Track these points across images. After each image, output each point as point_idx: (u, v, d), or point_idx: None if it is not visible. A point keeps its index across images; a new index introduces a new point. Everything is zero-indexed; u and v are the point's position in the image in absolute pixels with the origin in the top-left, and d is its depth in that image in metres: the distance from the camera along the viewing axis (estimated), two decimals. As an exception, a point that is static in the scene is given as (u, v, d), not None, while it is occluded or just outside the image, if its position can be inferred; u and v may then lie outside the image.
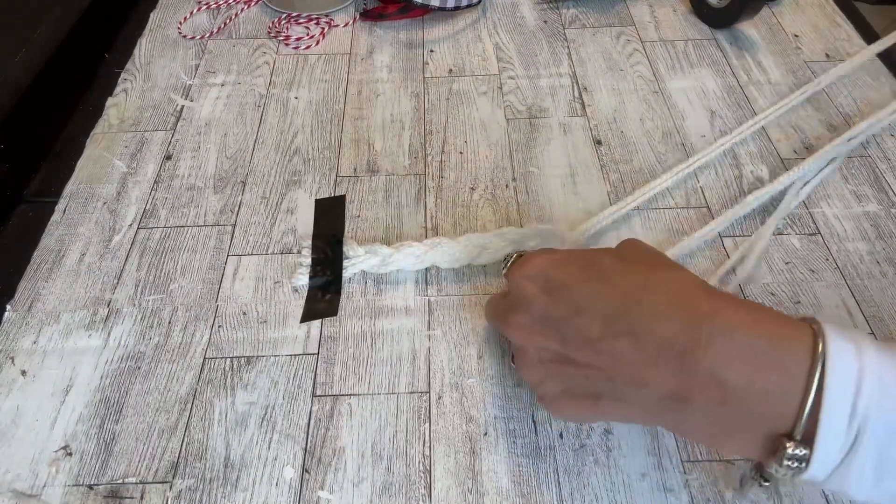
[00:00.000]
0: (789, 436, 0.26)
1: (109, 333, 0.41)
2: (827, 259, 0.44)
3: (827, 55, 0.59)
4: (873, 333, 0.40)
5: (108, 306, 0.42)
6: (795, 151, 0.51)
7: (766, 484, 0.29)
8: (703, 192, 0.48)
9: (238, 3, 0.66)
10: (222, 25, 0.64)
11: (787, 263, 0.44)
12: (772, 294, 0.42)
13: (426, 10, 0.63)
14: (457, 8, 0.63)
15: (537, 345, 0.32)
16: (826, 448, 0.25)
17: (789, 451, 0.26)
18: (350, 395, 0.38)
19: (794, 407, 0.26)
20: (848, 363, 0.25)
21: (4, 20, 0.59)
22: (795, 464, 0.26)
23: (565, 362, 0.31)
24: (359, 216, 0.48)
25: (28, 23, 0.58)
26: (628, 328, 0.28)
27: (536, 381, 0.33)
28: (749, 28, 0.62)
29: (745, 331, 0.27)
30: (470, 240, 0.40)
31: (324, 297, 0.43)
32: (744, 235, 0.46)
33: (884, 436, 0.25)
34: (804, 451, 0.25)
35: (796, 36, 0.62)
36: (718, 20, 0.62)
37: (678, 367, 0.27)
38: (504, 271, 0.35)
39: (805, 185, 0.48)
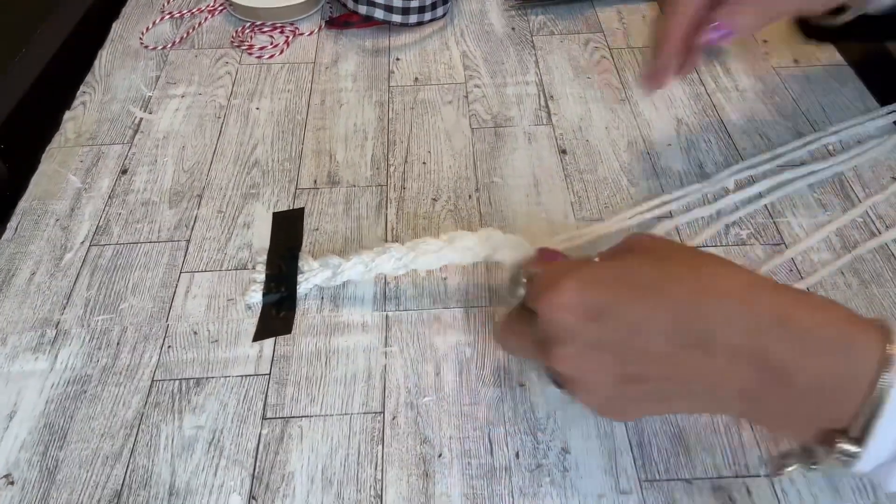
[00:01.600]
0: (845, 431, 0.27)
1: (57, 356, 0.40)
2: (791, 270, 0.44)
3: (795, 61, 0.59)
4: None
5: (57, 327, 0.41)
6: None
7: (814, 467, 0.29)
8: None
9: (202, 12, 0.65)
10: (185, 35, 0.63)
11: (751, 274, 0.43)
12: (734, 306, 0.42)
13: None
14: (420, 24, 0.62)
15: (594, 371, 0.30)
16: (876, 450, 0.26)
17: (841, 445, 0.26)
18: (302, 416, 0.37)
19: (853, 406, 0.26)
20: None
21: (5, 20, 0.58)
22: (844, 457, 0.27)
23: (632, 381, 0.29)
24: (317, 229, 0.47)
25: (28, 23, 0.57)
26: (696, 339, 0.28)
27: (602, 404, 0.32)
28: (718, 33, 0.62)
29: (814, 330, 0.27)
30: (417, 245, 0.39)
31: (278, 314, 0.42)
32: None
33: None
34: (856, 449, 0.26)
35: (765, 41, 0.61)
36: (687, 26, 0.61)
37: (750, 368, 0.27)
38: (521, 292, 0.33)
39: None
